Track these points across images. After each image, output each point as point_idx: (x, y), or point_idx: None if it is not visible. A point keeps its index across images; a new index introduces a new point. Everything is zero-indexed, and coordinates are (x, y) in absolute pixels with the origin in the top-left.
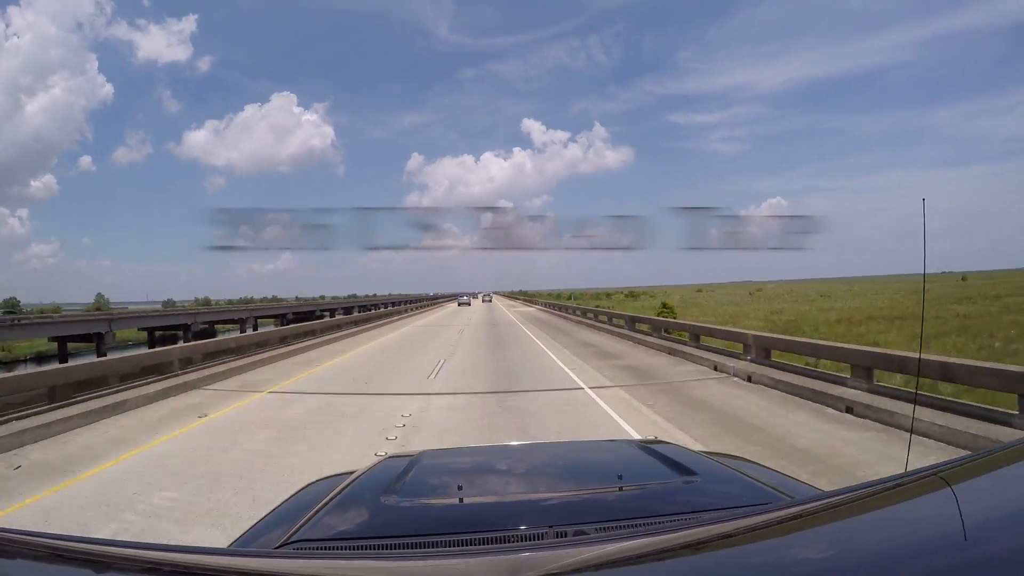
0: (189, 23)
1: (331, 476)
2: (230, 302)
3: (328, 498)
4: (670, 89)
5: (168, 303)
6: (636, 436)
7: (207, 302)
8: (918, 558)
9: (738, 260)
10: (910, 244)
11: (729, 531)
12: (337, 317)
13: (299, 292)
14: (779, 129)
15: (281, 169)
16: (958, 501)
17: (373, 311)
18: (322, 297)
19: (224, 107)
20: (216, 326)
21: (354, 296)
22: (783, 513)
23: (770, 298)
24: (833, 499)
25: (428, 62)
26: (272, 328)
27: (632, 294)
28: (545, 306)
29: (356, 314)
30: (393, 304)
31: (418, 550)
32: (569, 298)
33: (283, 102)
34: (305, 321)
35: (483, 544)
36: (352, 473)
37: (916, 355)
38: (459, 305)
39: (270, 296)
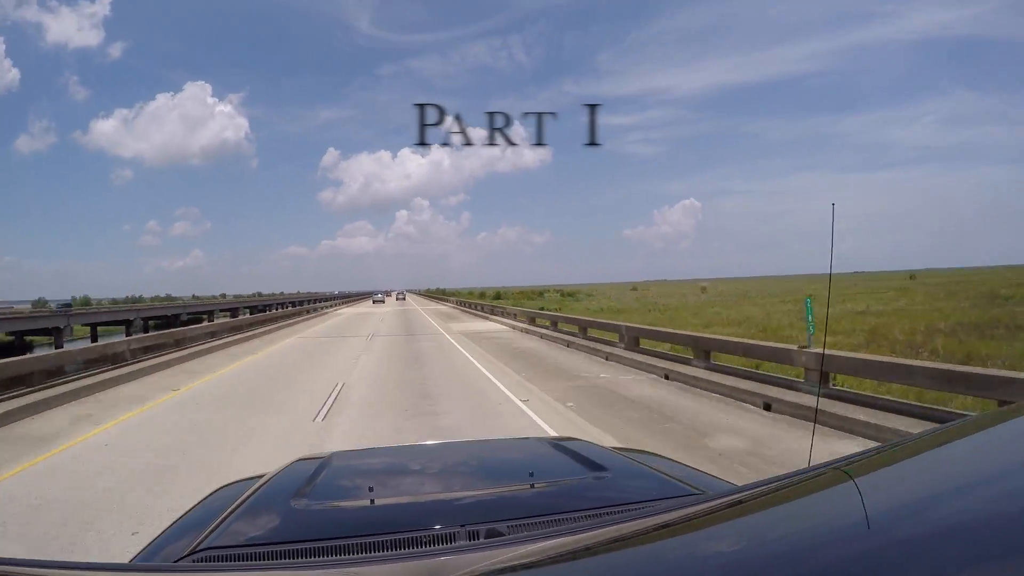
0: (102, 6)
1: (239, 481)
2: (114, 301)
3: (236, 504)
4: (589, 90)
5: (39, 302)
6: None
7: (86, 301)
8: (823, 548)
9: (652, 259)
10: (816, 245)
11: (641, 528)
12: (180, 329)
13: (211, 290)
14: (694, 132)
15: (193, 162)
16: (860, 493)
17: (230, 320)
18: (223, 296)
19: (135, 95)
20: (28, 337)
21: (259, 295)
22: (694, 509)
23: (739, 298)
24: (742, 493)
25: (347, 56)
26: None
27: (568, 293)
28: (528, 322)
29: (207, 324)
30: (292, 304)
31: (329, 557)
32: (496, 297)
33: (196, 91)
34: (168, 328)
35: (395, 546)
36: (261, 477)
37: None
38: (373, 303)
39: (163, 295)
